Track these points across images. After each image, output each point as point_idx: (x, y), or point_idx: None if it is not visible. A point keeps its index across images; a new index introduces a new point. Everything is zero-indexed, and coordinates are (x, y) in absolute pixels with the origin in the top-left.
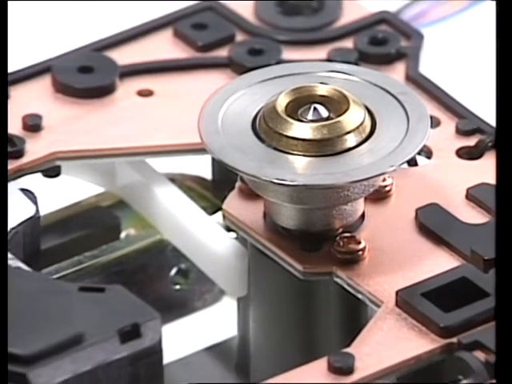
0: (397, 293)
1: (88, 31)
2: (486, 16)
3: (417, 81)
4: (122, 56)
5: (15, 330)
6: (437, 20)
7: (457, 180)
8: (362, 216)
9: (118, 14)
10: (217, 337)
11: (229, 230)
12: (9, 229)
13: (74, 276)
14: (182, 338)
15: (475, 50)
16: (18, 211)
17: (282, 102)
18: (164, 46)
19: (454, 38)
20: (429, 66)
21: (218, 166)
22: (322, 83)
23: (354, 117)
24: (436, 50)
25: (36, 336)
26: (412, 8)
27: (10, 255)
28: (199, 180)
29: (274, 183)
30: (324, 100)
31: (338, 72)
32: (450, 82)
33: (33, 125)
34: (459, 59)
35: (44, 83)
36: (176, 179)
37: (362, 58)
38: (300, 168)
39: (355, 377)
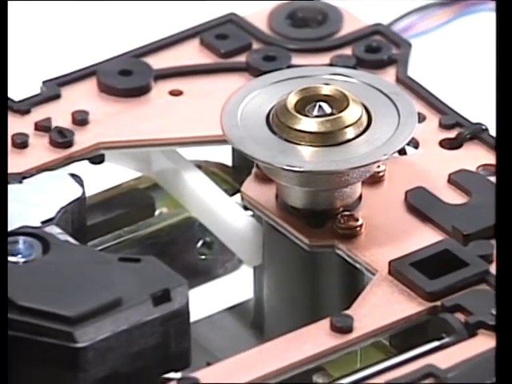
0: (389, 263)
1: (127, 40)
2: (464, 29)
3: (406, 83)
4: (156, 61)
5: (63, 295)
6: (422, 32)
7: (440, 167)
8: (360, 197)
9: (152, 25)
10: (236, 299)
11: (246, 208)
12: (58, 208)
13: (114, 248)
14: (207, 301)
15: (454, 57)
16: (67, 193)
17: (291, 100)
18: (192, 53)
19: (437, 46)
20: (416, 70)
21: (237, 154)
22: (325, 84)
23: (352, 113)
24: (421, 56)
25: (81, 300)
26: (401, 21)
27: (59, 230)
28: (221, 166)
29: (285, 169)
30: (327, 98)
31: (339, 75)
32: (434, 83)
33: (81, 119)
34: (441, 64)
35: (90, 84)
36: (202, 166)
37: (359, 63)
38: (307, 156)
39: (354, 335)
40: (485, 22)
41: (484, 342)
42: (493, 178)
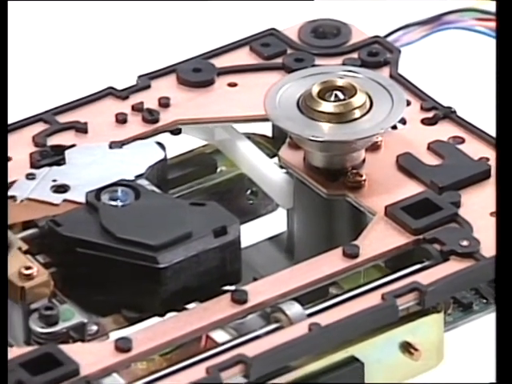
0: (385, 207)
1: (198, 45)
2: (436, 41)
3: (396, 78)
4: (218, 62)
5: (150, 229)
6: (407, 43)
7: (421, 138)
8: (364, 160)
9: (216, 35)
10: (274, 232)
11: (281, 167)
12: (147, 166)
13: (186, 196)
14: (253, 233)
15: (429, 60)
16: (153, 155)
17: (315, 90)
18: (244, 56)
19: (418, 53)
20: (404, 69)
21: (275, 128)
22: (339, 78)
23: (359, 99)
24: (407, 60)
25: (162, 233)
26: (393, 35)
27: (147, 182)
28: (264, 137)
29: (310, 140)
30: (341, 88)
31: (349, 71)
32: (417, 78)
33: (164, 103)
34: (420, 65)
35: (171, 78)
36: (250, 136)
37: (363, 64)
38: (325, 130)
39: (359, 259)
40: (450, 36)
41: (454, 265)
42: (460, 146)
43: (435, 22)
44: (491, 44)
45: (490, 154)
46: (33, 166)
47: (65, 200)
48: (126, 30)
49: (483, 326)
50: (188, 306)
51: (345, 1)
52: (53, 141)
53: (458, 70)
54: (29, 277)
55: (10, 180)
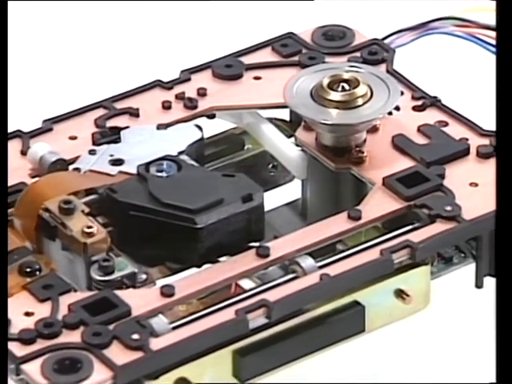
0: (383, 179)
1: (230, 45)
2: (424, 44)
3: (392, 73)
4: (246, 59)
5: (189, 196)
6: (400, 45)
7: (412, 122)
8: (365, 140)
9: (243, 36)
10: (291, 198)
11: (297, 145)
12: (187, 144)
13: (220, 168)
14: (274, 199)
15: (418, 59)
16: (192, 136)
17: (325, 81)
18: (266, 55)
19: (409, 53)
20: (397, 66)
21: (293, 114)
22: (345, 72)
23: (361, 89)
24: (401, 58)
25: (199, 199)
26: (388, 38)
27: (187, 158)
28: (283, 121)
29: (321, 123)
30: (346, 81)
31: (353, 67)
32: (409, 72)
33: (202, 93)
34: (411, 63)
35: (208, 73)
36: (272, 120)
37: (365, 61)
38: (334, 115)
39: (361, 221)
40: (435, 40)
41: (439, 226)
42: (444, 129)
43: (422, 28)
44: (468, 46)
45: (469, 135)
46: (94, 143)
47: (120, 171)
48: (173, 32)
49: (483, 326)
50: (220, 259)
51: (349, 9)
52: (111, 123)
53: (441, 67)
54: (90, 234)
55: (75, 155)
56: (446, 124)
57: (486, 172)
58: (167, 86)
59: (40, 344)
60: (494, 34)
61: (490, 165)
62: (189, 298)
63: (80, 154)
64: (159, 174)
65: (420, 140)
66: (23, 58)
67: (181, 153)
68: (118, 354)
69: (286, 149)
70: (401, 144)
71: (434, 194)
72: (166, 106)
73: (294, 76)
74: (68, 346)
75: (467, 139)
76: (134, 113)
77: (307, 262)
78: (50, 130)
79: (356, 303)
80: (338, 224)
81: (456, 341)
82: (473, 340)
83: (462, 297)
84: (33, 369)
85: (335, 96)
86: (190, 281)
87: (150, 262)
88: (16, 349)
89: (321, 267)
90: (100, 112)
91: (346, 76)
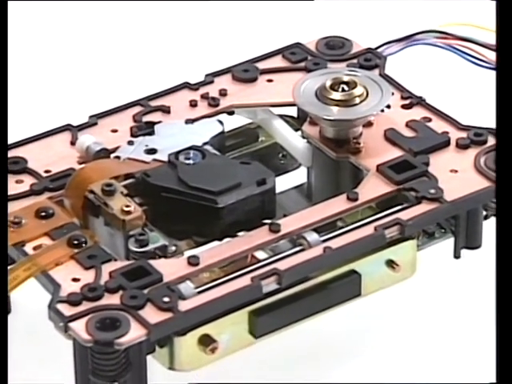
0: (377, 166)
1: (247, 54)
2: (410, 53)
3: (384, 76)
4: (261, 65)
5: (212, 180)
6: (390, 53)
7: (401, 117)
8: (361, 133)
9: (259, 44)
10: (298, 183)
11: (303, 138)
12: (210, 136)
13: (238, 157)
14: (284, 183)
15: (405, 66)
16: (215, 129)
17: (327, 83)
18: (277, 61)
19: (397, 60)
20: (388, 71)
21: (300, 111)
22: (345, 75)
23: (358, 90)
24: (391, 65)
25: (220, 182)
26: (380, 48)
27: (210, 148)
28: (291, 117)
29: (324, 118)
30: (346, 82)
31: (352, 71)
32: (398, 77)
33: (223, 93)
34: (399, 69)
35: (228, 76)
36: (282, 116)
37: (361, 66)
38: (335, 111)
39: (358, 202)
40: (419, 50)
41: (425, 207)
42: (428, 124)
43: (409, 39)
44: (447, 55)
45: (449, 129)
46: (132, 135)
47: (153, 159)
48: (200, 43)
49: (483, 325)
50: (238, 234)
51: (348, 23)
52: (146, 118)
53: (425, 72)
54: (128, 212)
55: (115, 145)
56: (430, 120)
57: (464, 160)
58: (194, 87)
59: (85, 305)
60: (469, 44)
61: (468, 154)
62: (212, 266)
63: (120, 144)
64: (187, 162)
65: (408, 133)
66: (76, 64)
67: (205, 143)
68: (151, 315)
69: (294, 140)
70: (392, 137)
71: (420, 179)
72: (193, 104)
73: (301, 79)
74: (109, 308)
75: (448, 133)
76: (165, 110)
77: (312, 236)
78: (95, 124)
79: (353, 272)
80: (338, 204)
81: (456, 340)
82: (453, 305)
83: (443, 266)
84: (79, 326)
85: (336, 96)
86: (212, 252)
87: (179, 236)
88: (65, 309)
89: (324, 241)
90: (137, 109)
91: (345, 79)
